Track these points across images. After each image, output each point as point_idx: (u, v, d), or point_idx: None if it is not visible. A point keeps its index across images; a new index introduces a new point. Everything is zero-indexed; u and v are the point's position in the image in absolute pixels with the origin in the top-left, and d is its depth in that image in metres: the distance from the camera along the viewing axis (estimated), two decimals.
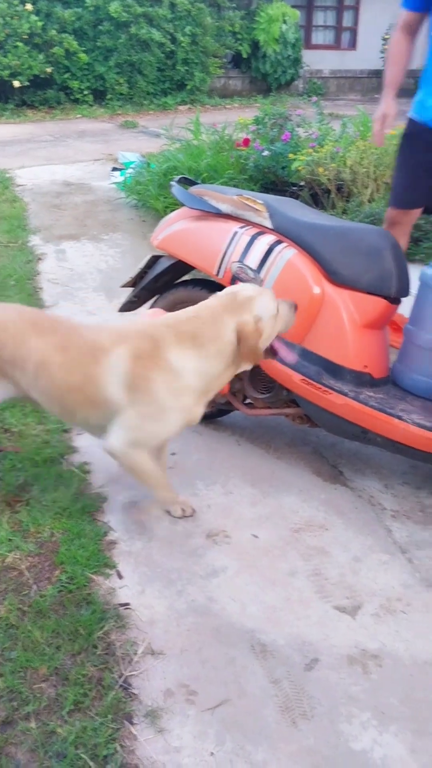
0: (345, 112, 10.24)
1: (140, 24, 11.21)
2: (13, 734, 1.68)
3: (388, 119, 2.96)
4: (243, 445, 2.87)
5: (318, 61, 14.88)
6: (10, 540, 2.26)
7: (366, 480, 2.65)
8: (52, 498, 2.46)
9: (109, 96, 11.65)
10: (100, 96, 11.80)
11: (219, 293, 2.25)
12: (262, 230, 2.63)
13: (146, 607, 2.06)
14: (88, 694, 1.78)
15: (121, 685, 1.81)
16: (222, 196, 2.72)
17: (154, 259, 2.92)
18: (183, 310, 2.23)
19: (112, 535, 2.34)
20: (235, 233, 2.64)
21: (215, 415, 2.97)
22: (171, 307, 2.86)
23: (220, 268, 2.65)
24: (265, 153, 5.41)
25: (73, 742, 1.65)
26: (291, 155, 5.20)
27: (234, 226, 2.66)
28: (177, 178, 2.98)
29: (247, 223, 2.66)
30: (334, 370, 2.51)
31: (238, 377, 2.75)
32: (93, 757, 1.63)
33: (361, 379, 2.52)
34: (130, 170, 6.28)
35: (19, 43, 10.64)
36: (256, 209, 2.63)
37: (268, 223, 2.62)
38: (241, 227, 2.65)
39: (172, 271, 2.88)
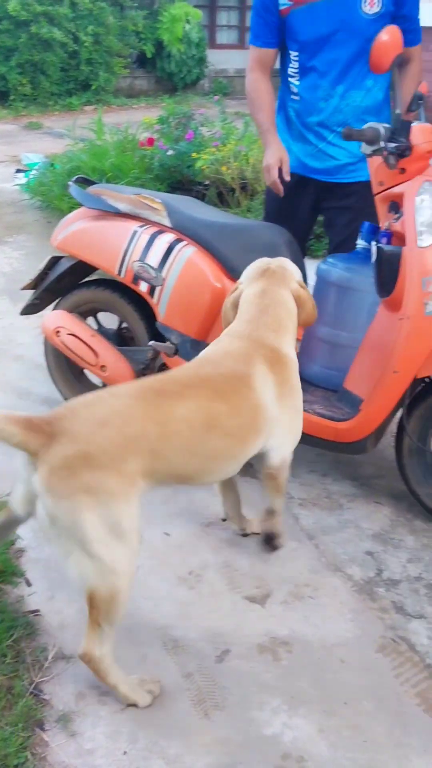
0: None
1: (41, 23, 10.99)
2: None
3: (285, 163, 2.54)
4: None
5: (223, 60, 14.96)
6: None
7: None
8: None
9: (12, 97, 11.38)
10: (2, 97, 11.52)
11: (248, 274, 2.18)
12: (162, 229, 2.64)
13: (56, 613, 2.04)
14: None
15: (31, 692, 1.78)
16: (120, 195, 2.72)
17: (55, 260, 2.89)
18: (238, 307, 2.14)
19: (20, 543, 2.31)
20: (135, 232, 2.64)
21: None
22: (74, 308, 2.84)
23: (121, 267, 2.65)
24: (170, 152, 5.42)
25: None
26: (194, 154, 5.22)
27: (133, 225, 2.67)
28: (75, 178, 2.96)
29: (146, 222, 2.67)
30: None
31: (145, 377, 2.76)
32: (4, 765, 1.60)
33: None
34: (34, 172, 6.18)
35: None
36: (155, 208, 2.64)
37: (166, 222, 2.63)
38: (141, 226, 2.66)
39: (73, 271, 2.86)
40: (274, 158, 2.53)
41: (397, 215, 2.30)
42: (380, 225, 2.38)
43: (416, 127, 2.24)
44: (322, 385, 2.59)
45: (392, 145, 2.21)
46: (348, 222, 2.73)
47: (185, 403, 1.77)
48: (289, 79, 2.70)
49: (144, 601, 2.09)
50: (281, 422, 2.00)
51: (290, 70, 2.68)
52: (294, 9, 2.54)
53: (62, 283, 2.88)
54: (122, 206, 2.70)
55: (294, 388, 2.07)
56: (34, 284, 2.92)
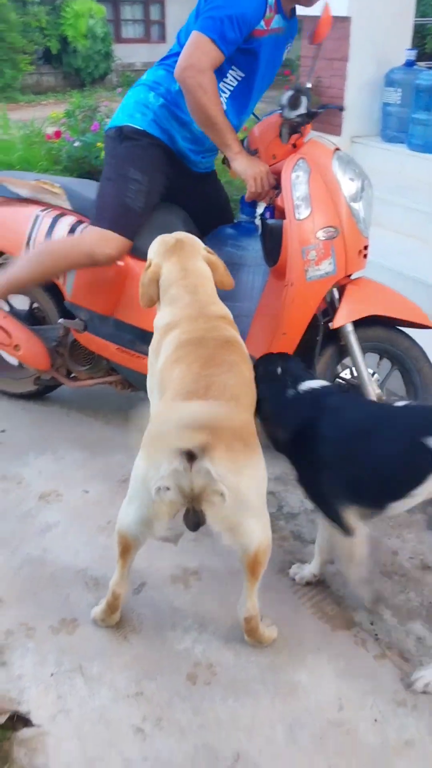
0: None
1: None
2: None
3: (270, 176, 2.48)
4: (72, 416, 3.04)
5: (130, 54, 15.06)
6: None
7: None
8: None
9: None
10: None
11: (157, 251, 2.22)
12: (63, 212, 2.80)
13: None
14: None
15: None
16: (20, 182, 2.87)
17: None
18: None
19: None
20: (37, 216, 2.79)
21: (42, 392, 3.12)
22: None
23: (27, 250, 2.80)
24: (76, 144, 5.55)
25: None
26: (100, 144, 5.37)
27: (35, 210, 2.82)
28: None
29: (48, 205, 2.83)
30: (144, 336, 2.73)
31: (58, 353, 2.93)
32: None
33: None
34: None
35: None
36: (54, 192, 2.80)
37: (67, 205, 2.79)
38: (42, 210, 2.81)
39: None
40: (256, 169, 2.44)
41: (277, 190, 2.53)
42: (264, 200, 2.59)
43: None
44: None
45: (299, 114, 2.37)
46: (207, 207, 2.87)
47: (244, 367, 1.90)
48: (230, 72, 2.52)
49: (65, 551, 2.27)
50: None
51: (222, 86, 2.50)
52: (265, 36, 2.44)
53: None
54: (24, 192, 2.85)
55: None
56: None
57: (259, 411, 1.96)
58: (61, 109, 7.14)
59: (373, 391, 2.54)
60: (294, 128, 2.44)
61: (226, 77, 2.51)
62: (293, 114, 2.37)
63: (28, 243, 2.79)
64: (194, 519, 1.74)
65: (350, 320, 2.48)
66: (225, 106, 2.53)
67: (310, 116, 2.42)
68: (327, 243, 2.42)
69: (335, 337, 2.55)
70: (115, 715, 1.75)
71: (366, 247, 2.52)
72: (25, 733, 1.69)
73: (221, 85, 2.51)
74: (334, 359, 2.63)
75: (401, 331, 2.60)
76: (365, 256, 2.53)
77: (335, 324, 2.48)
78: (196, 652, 1.92)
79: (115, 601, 1.94)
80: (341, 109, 2.59)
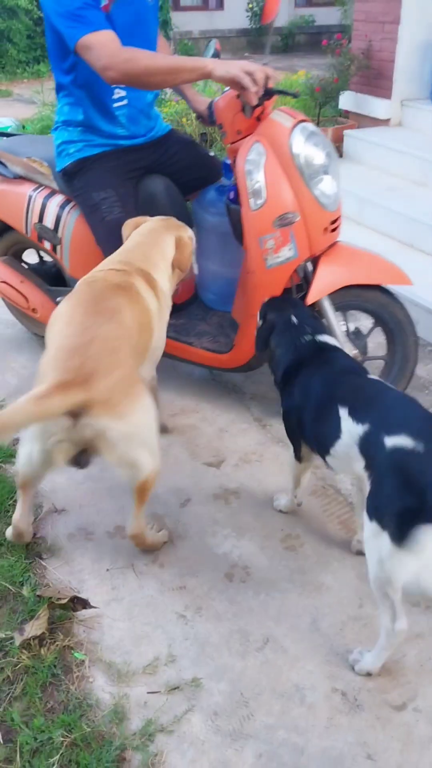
0: None
1: None
2: None
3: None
4: None
5: (187, 22, 15.11)
6: None
7: (231, 375, 3.13)
8: None
9: None
10: None
11: (156, 219, 2.42)
12: (53, 191, 2.88)
13: (49, 481, 2.47)
14: (2, 544, 2.19)
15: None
16: (15, 159, 2.94)
17: None
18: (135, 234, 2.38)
19: (17, 436, 2.73)
20: (30, 196, 2.89)
21: None
22: (6, 251, 3.21)
23: (26, 228, 2.93)
24: None
25: None
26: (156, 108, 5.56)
27: (28, 190, 2.91)
28: None
29: (40, 185, 2.92)
30: None
31: None
32: (12, 583, 2.05)
33: None
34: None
35: None
36: (42, 172, 2.86)
37: (54, 185, 2.86)
38: (35, 189, 2.90)
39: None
40: (243, 66, 2.19)
41: None
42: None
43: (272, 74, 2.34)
44: (216, 308, 2.96)
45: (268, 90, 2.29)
46: (183, 167, 2.86)
47: (126, 313, 2.03)
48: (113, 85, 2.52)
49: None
50: (154, 339, 2.25)
51: None
52: (112, 3, 2.40)
53: None
54: (18, 170, 2.94)
55: (163, 313, 2.31)
56: None
57: (265, 345, 2.16)
58: None
59: (350, 351, 2.53)
60: (259, 102, 2.32)
61: None
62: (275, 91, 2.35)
63: (26, 221, 2.91)
64: (84, 459, 1.92)
65: (322, 296, 2.48)
66: (124, 87, 2.51)
67: (267, 95, 2.32)
68: (285, 230, 2.39)
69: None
70: (161, 603, 2.01)
71: (335, 221, 2.47)
72: (83, 613, 1.96)
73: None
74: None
75: (383, 289, 2.58)
76: (334, 230, 2.48)
77: (308, 301, 2.46)
78: (234, 556, 2.17)
79: (20, 535, 2.16)
80: (295, 96, 2.49)
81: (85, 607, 1.95)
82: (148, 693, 1.75)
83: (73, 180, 2.70)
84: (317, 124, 5.60)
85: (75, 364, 1.79)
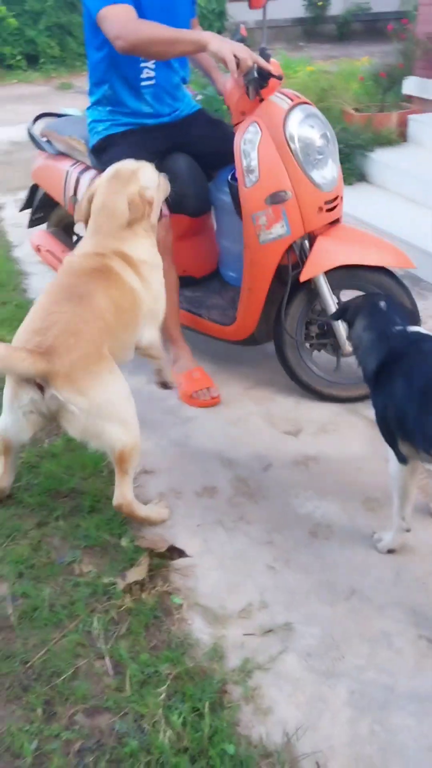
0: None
1: None
2: (48, 530, 2.23)
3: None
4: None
5: (242, 12, 15.16)
6: None
7: None
8: None
9: (42, 60, 11.84)
10: (33, 60, 11.97)
11: (102, 175, 2.41)
12: (87, 167, 3.05)
13: None
14: (100, 501, 2.34)
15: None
16: (58, 137, 3.18)
17: (36, 187, 3.45)
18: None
19: None
20: (67, 172, 3.10)
21: None
22: (58, 223, 3.46)
23: (64, 200, 3.13)
24: (199, 97, 5.88)
25: (94, 529, 2.21)
26: (221, 97, 5.67)
27: (66, 165, 3.12)
28: (37, 115, 3.44)
29: (77, 161, 3.12)
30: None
31: None
32: (111, 534, 2.19)
33: (184, 281, 2.99)
34: None
35: None
36: (79, 149, 3.06)
37: (88, 161, 3.03)
38: (72, 165, 3.11)
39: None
40: (233, 45, 2.36)
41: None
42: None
43: (273, 61, 2.53)
44: (234, 284, 3.03)
45: (250, 77, 2.44)
46: (207, 148, 2.97)
47: (98, 297, 2.14)
48: (142, 64, 2.70)
49: (203, 437, 2.67)
50: (148, 311, 2.37)
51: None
52: None
53: (48, 203, 3.42)
54: (60, 147, 3.18)
55: (152, 282, 2.36)
56: (26, 205, 3.54)
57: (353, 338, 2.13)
58: None
59: (344, 334, 2.65)
60: (260, 84, 2.47)
61: None
62: (246, 78, 2.46)
63: (64, 195, 3.12)
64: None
65: (315, 274, 2.57)
66: (154, 68, 2.70)
67: (263, 78, 2.45)
68: (277, 207, 2.51)
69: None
70: (250, 555, 2.13)
71: (333, 200, 2.56)
72: (179, 562, 2.09)
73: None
74: (307, 304, 2.74)
75: (389, 274, 2.63)
76: (331, 209, 2.57)
77: (302, 278, 2.58)
78: (317, 515, 2.28)
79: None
80: (280, 78, 2.56)
81: (181, 556, 2.08)
82: (244, 635, 1.87)
83: (101, 155, 2.87)
84: (381, 110, 5.64)
85: (34, 342, 1.97)
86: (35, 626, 1.89)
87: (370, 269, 2.62)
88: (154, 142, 2.85)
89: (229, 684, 1.74)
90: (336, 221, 2.67)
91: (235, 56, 2.33)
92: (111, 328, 2.15)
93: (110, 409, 2.05)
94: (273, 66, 2.51)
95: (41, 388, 1.96)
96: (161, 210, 2.54)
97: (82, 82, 10.88)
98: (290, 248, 2.60)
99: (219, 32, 14.11)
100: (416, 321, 2.25)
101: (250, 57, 2.36)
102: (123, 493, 2.14)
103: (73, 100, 9.27)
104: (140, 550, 2.10)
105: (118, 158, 2.69)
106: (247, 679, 1.75)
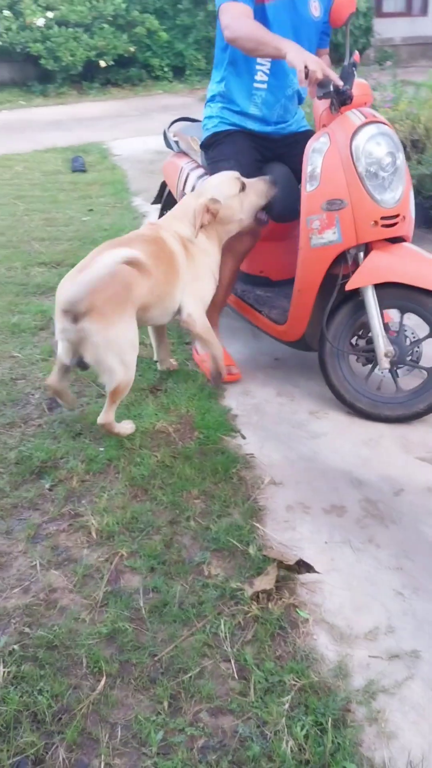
0: (417, 78, 10.50)
1: None
2: (179, 529, 2.30)
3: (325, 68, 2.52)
4: None
5: (389, 29, 15.02)
6: (156, 414, 2.88)
7: None
8: (184, 388, 3.08)
9: (188, 72, 12.21)
10: (179, 72, 12.36)
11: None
12: (198, 165, 3.38)
13: (266, 456, 2.66)
14: (229, 506, 2.39)
15: (253, 500, 2.41)
16: (184, 137, 3.56)
17: (165, 184, 3.84)
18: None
19: (233, 412, 2.95)
20: (181, 168, 3.43)
21: None
22: None
23: (178, 195, 3.46)
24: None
25: (223, 533, 2.26)
26: None
27: (182, 162, 3.48)
28: (175, 119, 3.85)
29: (192, 159, 3.46)
30: (240, 276, 3.27)
31: None
32: (239, 541, 2.23)
33: (259, 281, 3.32)
34: None
35: (105, 25, 11.29)
36: (195, 149, 3.38)
37: (200, 160, 3.36)
38: (186, 162, 3.45)
39: None
40: (307, 57, 2.46)
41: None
42: None
43: (357, 81, 2.63)
44: None
45: (341, 89, 2.55)
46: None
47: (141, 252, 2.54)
48: (257, 66, 2.89)
49: (332, 454, 2.67)
50: (187, 283, 2.78)
51: (259, 59, 2.87)
52: (270, 2, 2.78)
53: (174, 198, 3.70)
54: (183, 146, 3.54)
55: (198, 264, 2.81)
56: (157, 200, 3.97)
57: None
58: None
59: (384, 347, 2.70)
60: (342, 101, 2.59)
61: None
62: (321, 91, 2.57)
63: (178, 191, 3.44)
64: (81, 362, 2.54)
65: (362, 285, 2.64)
66: (267, 75, 2.88)
67: (338, 93, 2.56)
68: (331, 214, 2.62)
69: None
70: (378, 579, 2.11)
71: (392, 217, 2.62)
72: (306, 577, 2.11)
73: (257, 60, 2.87)
74: (353, 315, 2.81)
75: None
76: (389, 225, 2.62)
77: (348, 286, 2.65)
78: None
79: (56, 392, 2.81)
80: (350, 96, 2.60)
81: (309, 571, 2.09)
82: (370, 657, 1.86)
83: (209, 152, 3.13)
84: None
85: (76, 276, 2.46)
86: (164, 621, 1.95)
87: (428, 293, 2.64)
88: (258, 148, 3.04)
89: (352, 703, 1.74)
90: (401, 240, 2.72)
91: (306, 67, 2.44)
92: (146, 280, 2.58)
93: (118, 347, 2.50)
94: (359, 86, 2.64)
95: (75, 318, 2.40)
96: (259, 215, 2.91)
97: None
98: (346, 258, 2.70)
99: (364, 49, 14.08)
100: None
101: (320, 70, 2.45)
102: (108, 416, 2.63)
103: None
104: (268, 560, 2.13)
105: (223, 156, 3.01)
106: (371, 700, 1.74)
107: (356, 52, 2.80)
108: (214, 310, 3.08)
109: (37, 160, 7.40)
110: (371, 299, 2.67)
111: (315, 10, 2.91)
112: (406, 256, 2.68)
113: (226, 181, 2.83)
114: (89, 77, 11.98)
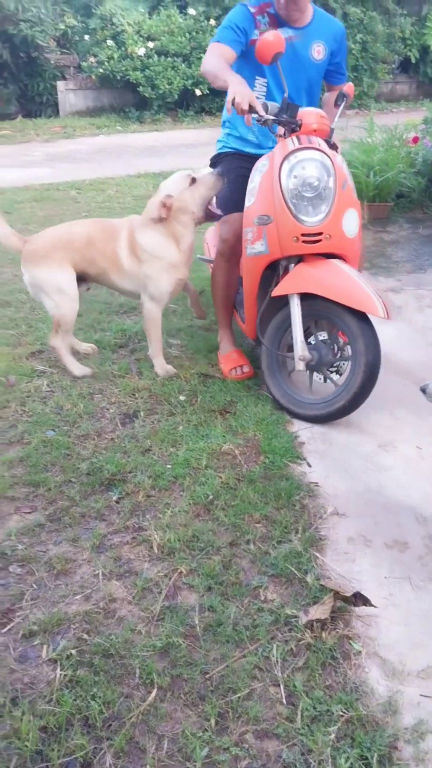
0: None
1: None
2: (239, 551, 2.33)
3: (253, 99, 2.89)
4: (407, 385, 3.40)
5: None
6: (224, 435, 2.93)
7: None
8: (253, 412, 3.12)
9: None
10: None
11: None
12: None
13: (331, 486, 2.66)
14: (290, 532, 2.40)
15: (314, 529, 2.42)
16: None
17: None
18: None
19: (300, 439, 2.97)
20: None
21: None
22: None
23: None
24: None
25: (282, 559, 2.28)
26: None
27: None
28: None
29: None
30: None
31: None
32: (298, 568, 2.25)
33: (240, 283, 3.50)
34: None
35: (202, 55, 11.55)
36: None
37: None
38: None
39: None
40: (237, 91, 2.88)
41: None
42: None
43: (303, 109, 3.01)
44: None
45: (280, 119, 2.95)
46: None
47: (84, 230, 3.32)
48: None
49: (398, 489, 2.65)
50: (141, 276, 3.29)
51: (256, 93, 3.32)
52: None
53: None
54: None
55: (147, 261, 3.25)
56: None
57: None
58: (413, 116, 7.48)
59: (300, 351, 2.97)
60: (291, 128, 2.98)
61: (254, 87, 3.34)
62: (275, 119, 2.95)
63: None
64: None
65: (283, 293, 2.98)
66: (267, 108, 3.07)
67: (280, 122, 2.96)
68: (260, 228, 3.01)
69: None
70: None
71: (314, 235, 2.91)
72: (363, 610, 2.10)
73: (255, 93, 3.28)
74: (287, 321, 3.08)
75: (365, 320, 2.89)
76: (311, 242, 2.92)
77: (273, 293, 3.04)
78: None
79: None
80: (276, 124, 3.03)
81: (365, 604, 2.09)
82: (421, 695, 1.84)
83: (213, 167, 3.50)
84: None
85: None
86: (218, 640, 1.98)
87: (349, 311, 2.88)
88: (249, 168, 3.26)
89: (400, 741, 1.72)
90: (337, 257, 3.00)
91: (235, 98, 2.85)
92: (83, 254, 3.27)
93: (46, 288, 3.25)
94: (311, 115, 3.00)
95: None
96: (212, 209, 3.28)
97: None
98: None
99: None
100: None
101: (246, 102, 2.85)
102: (54, 341, 3.38)
103: None
104: (325, 590, 2.13)
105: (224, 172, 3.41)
106: (419, 740, 1.72)
107: (349, 84, 3.31)
108: (224, 310, 3.58)
109: (129, 184, 7.64)
110: (295, 307, 2.97)
111: (317, 54, 3.36)
112: (329, 271, 2.93)
113: (178, 178, 3.22)
114: (184, 105, 12.30)
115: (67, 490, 2.60)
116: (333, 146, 3.10)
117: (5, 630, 2.02)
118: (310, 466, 2.79)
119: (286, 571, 2.23)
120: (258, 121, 2.94)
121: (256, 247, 3.05)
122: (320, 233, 2.91)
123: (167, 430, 2.97)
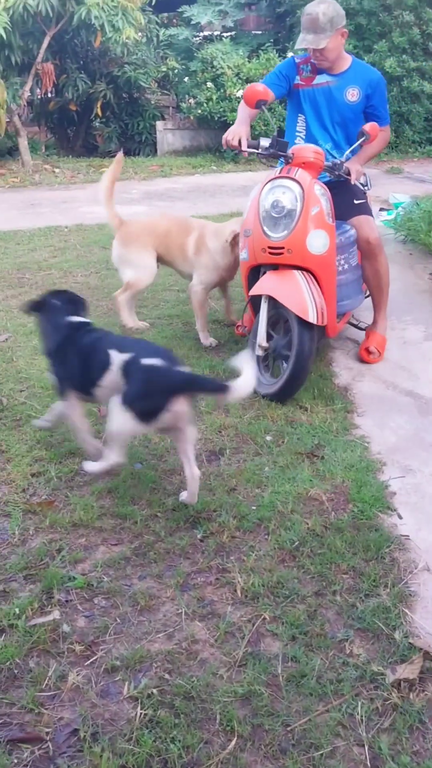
0: None
1: (413, 77, 11.83)
2: (324, 602, 2.28)
3: (244, 137, 3.70)
4: None
5: None
6: (311, 480, 2.90)
7: None
8: (341, 457, 3.07)
9: None
10: None
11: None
12: None
13: (422, 540, 2.58)
14: (378, 586, 2.33)
15: (404, 584, 2.34)
16: None
17: None
18: None
19: (391, 489, 2.89)
20: None
21: None
22: None
23: None
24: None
25: (369, 613, 2.21)
26: None
27: None
28: None
29: None
30: None
31: None
32: (385, 624, 2.17)
33: None
34: (400, 209, 6.86)
35: None
36: None
37: None
38: None
39: None
40: (231, 131, 3.77)
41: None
42: None
43: (298, 145, 3.69)
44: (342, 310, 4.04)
45: (264, 153, 3.63)
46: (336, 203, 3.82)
47: (166, 225, 4.39)
48: (297, 133, 4.05)
49: None
50: (197, 265, 4.24)
51: (298, 128, 4.04)
52: (303, 88, 3.94)
53: None
54: None
55: (203, 260, 4.20)
56: None
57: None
58: None
59: (260, 341, 3.60)
60: (286, 160, 3.62)
61: (298, 123, 4.02)
62: (267, 151, 3.64)
63: None
64: None
65: (253, 294, 3.65)
66: (304, 138, 4.00)
67: (265, 156, 3.68)
68: (246, 239, 3.74)
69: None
70: None
71: (276, 248, 3.48)
72: None
73: (297, 127, 4.03)
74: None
75: (307, 324, 3.44)
76: (273, 254, 3.50)
77: (249, 293, 3.76)
78: None
79: None
80: (269, 156, 3.77)
81: None
82: None
83: None
84: None
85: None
86: (301, 692, 1.94)
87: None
88: None
89: None
90: (300, 268, 3.52)
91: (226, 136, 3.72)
92: (162, 241, 4.31)
93: (130, 261, 4.33)
94: (304, 150, 3.58)
95: None
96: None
97: (411, 167, 11.17)
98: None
99: None
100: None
101: (235, 140, 3.69)
102: (120, 296, 4.38)
103: (401, 184, 9.54)
104: (414, 649, 2.06)
105: None
106: None
107: (372, 123, 3.68)
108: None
109: (220, 222, 7.76)
110: (264, 306, 3.58)
111: (352, 96, 3.89)
112: (285, 280, 3.51)
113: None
114: None
115: (152, 524, 2.62)
116: (347, 173, 3.76)
117: (88, 662, 2.03)
118: (401, 517, 2.71)
119: (374, 626, 2.17)
120: (244, 153, 4.14)
121: (243, 254, 3.80)
122: (282, 247, 3.48)
123: (252, 470, 2.95)
